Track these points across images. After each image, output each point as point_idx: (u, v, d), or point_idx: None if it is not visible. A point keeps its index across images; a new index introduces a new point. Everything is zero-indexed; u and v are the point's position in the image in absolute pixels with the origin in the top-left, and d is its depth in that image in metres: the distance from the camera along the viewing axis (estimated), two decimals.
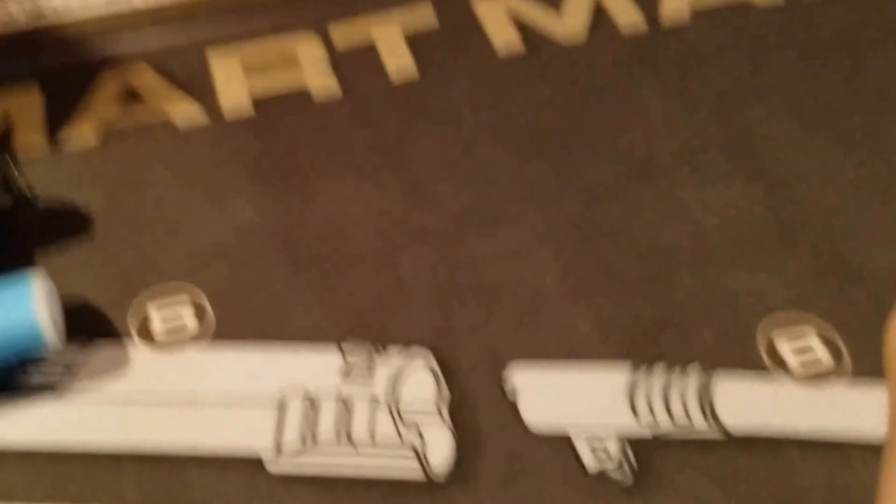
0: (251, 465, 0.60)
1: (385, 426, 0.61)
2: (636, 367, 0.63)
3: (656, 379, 0.63)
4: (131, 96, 0.78)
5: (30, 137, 0.75)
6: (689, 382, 0.63)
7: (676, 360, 0.64)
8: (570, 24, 0.85)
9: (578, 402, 0.62)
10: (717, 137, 0.76)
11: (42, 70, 0.80)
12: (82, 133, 0.75)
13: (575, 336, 0.65)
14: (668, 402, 0.62)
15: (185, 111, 0.77)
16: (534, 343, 0.65)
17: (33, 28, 0.81)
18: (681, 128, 0.77)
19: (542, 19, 0.85)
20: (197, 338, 0.65)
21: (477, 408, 0.62)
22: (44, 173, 0.72)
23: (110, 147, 0.75)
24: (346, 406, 0.62)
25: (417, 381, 0.63)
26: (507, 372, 0.63)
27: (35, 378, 0.63)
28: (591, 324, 0.66)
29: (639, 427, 0.61)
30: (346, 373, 0.63)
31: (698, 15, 0.85)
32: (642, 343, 0.65)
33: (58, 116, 0.76)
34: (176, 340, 0.65)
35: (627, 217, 0.72)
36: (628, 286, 0.68)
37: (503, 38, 0.83)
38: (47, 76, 0.79)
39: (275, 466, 0.60)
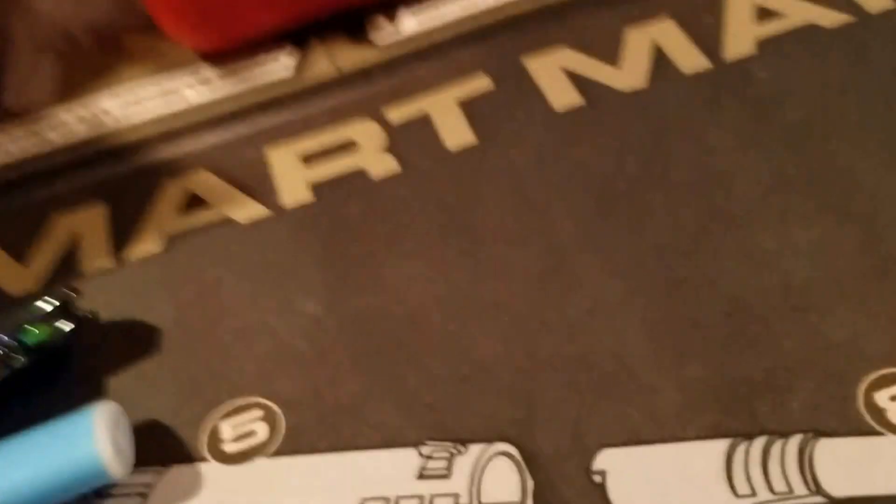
0: None
1: None
2: (732, 440, 0.60)
3: (754, 450, 0.59)
4: (193, 199, 0.78)
5: (95, 254, 0.75)
6: (789, 450, 0.58)
7: (774, 427, 0.60)
8: (630, 72, 0.81)
9: (672, 482, 0.59)
10: (797, 176, 0.72)
11: (103, 182, 0.80)
12: (147, 242, 0.75)
13: (665, 409, 0.61)
14: (768, 473, 0.58)
15: (246, 208, 0.77)
16: (621, 421, 0.61)
17: (91, 138, 0.82)
18: (757, 169, 0.73)
19: (598, 70, 0.82)
20: (271, 450, 0.63)
21: (564, 497, 0.59)
22: (110, 288, 0.72)
23: (175, 253, 0.74)
24: None
25: (499, 473, 0.60)
26: (594, 456, 0.60)
27: None
28: (681, 393, 0.62)
29: (739, 503, 0.57)
30: (425, 474, 0.60)
31: (764, 45, 0.81)
32: (736, 411, 0.61)
33: (122, 228, 0.76)
34: (249, 455, 0.63)
35: (710, 270, 0.68)
36: (717, 346, 0.64)
37: (560, 91, 0.81)
38: (108, 187, 0.79)
39: None
